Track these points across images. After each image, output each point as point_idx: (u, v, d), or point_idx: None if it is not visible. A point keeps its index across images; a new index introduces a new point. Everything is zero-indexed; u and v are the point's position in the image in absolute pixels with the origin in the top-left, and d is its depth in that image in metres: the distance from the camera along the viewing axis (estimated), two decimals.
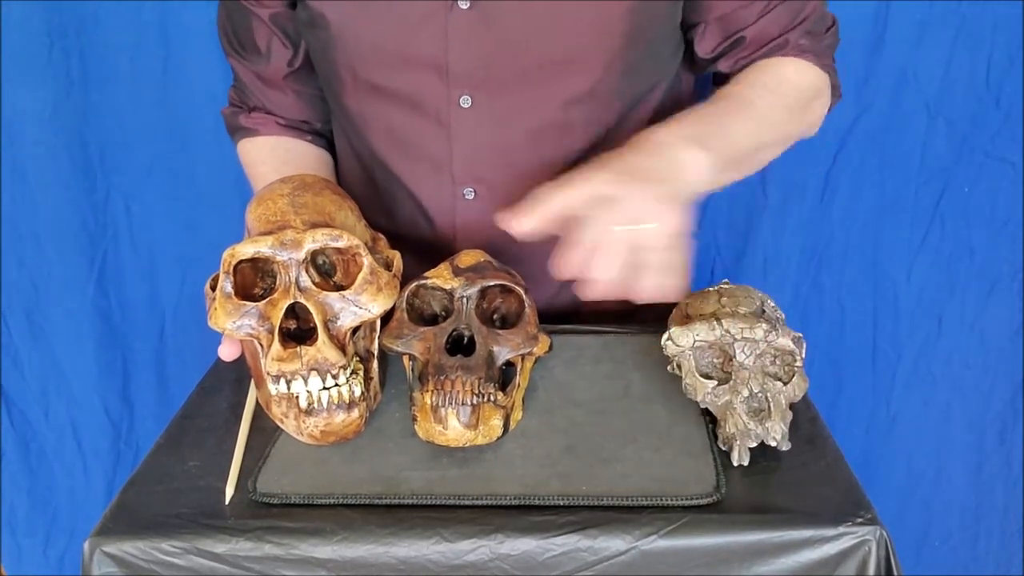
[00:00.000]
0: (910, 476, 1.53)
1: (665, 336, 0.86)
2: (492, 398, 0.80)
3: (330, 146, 1.21)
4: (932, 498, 1.53)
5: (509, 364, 0.86)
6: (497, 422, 0.81)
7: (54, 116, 1.29)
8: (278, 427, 0.85)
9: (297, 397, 0.80)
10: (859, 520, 0.71)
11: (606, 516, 0.72)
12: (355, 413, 0.81)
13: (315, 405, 0.79)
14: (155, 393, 1.47)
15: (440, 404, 0.79)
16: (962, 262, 1.40)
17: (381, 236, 0.94)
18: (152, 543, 0.72)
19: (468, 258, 0.91)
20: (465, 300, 0.87)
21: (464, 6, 0.97)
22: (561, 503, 0.74)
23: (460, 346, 0.85)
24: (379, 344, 0.87)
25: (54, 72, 1.26)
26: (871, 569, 0.70)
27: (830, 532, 0.71)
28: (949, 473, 1.52)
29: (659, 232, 0.76)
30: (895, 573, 0.71)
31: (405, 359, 0.88)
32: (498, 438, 0.81)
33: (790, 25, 1.03)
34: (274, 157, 1.15)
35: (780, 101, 1.00)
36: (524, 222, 0.79)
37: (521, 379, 0.86)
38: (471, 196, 1.05)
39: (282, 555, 0.71)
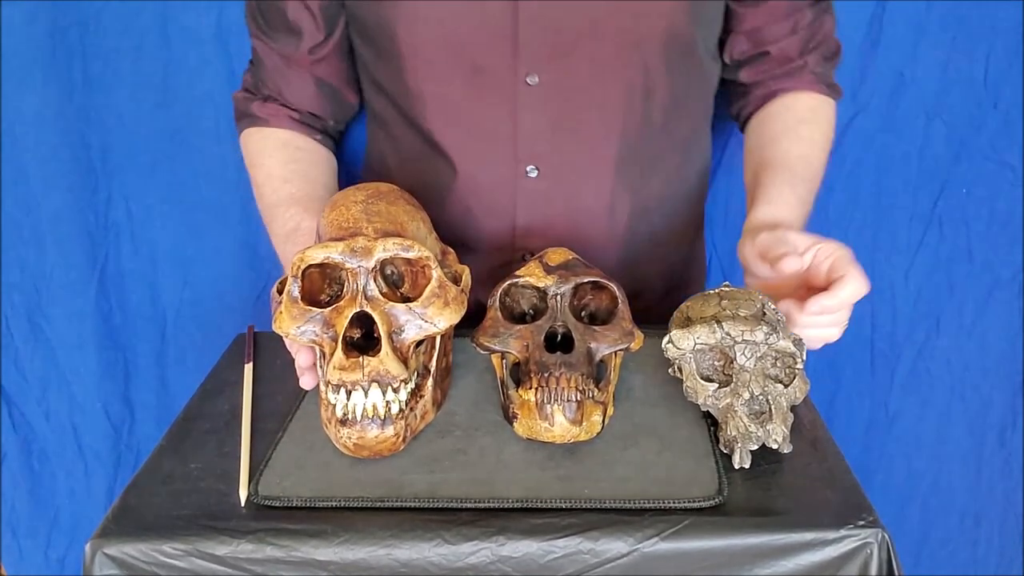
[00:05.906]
0: (909, 478, 1.52)
1: (666, 339, 0.86)
2: (592, 394, 0.81)
3: (336, 148, 1.21)
4: (931, 500, 1.53)
5: (600, 361, 0.85)
6: (597, 418, 0.81)
7: (56, 118, 1.28)
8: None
9: (334, 405, 0.78)
10: (861, 523, 0.72)
11: (607, 519, 0.72)
12: (390, 430, 0.78)
13: (349, 416, 0.78)
14: (156, 395, 1.46)
15: (546, 401, 0.79)
16: (961, 264, 1.40)
17: (451, 250, 0.92)
18: (153, 545, 0.72)
19: (557, 256, 0.91)
20: (559, 298, 0.87)
21: None
22: (562, 506, 0.74)
23: (554, 343, 0.85)
24: (474, 343, 0.86)
25: (56, 74, 1.26)
26: (873, 571, 0.71)
27: (832, 535, 0.71)
28: (948, 475, 1.52)
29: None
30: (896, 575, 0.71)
31: (495, 358, 0.88)
32: (597, 434, 0.81)
33: (807, 49, 1.09)
34: (283, 153, 1.13)
35: (825, 153, 1.13)
36: (792, 263, 0.88)
37: (613, 375, 0.86)
38: (534, 174, 1.05)
39: (283, 557, 0.72)
